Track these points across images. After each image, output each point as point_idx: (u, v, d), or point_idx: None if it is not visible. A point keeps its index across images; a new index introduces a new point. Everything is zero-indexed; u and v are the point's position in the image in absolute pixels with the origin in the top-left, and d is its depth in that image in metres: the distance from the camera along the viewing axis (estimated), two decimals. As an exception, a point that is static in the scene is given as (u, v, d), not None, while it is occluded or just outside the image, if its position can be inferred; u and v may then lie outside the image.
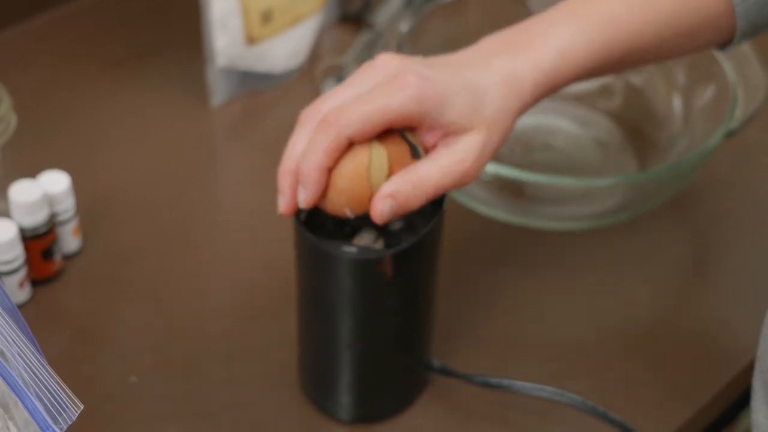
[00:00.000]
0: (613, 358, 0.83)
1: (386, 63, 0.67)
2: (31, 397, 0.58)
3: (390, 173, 0.66)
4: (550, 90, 0.71)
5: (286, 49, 1.02)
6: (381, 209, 0.65)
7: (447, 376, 0.78)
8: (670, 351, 0.83)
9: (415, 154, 0.67)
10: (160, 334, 0.83)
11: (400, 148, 0.67)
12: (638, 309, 0.87)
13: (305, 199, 0.66)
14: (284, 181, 0.67)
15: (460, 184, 0.67)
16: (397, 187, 0.65)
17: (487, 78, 0.68)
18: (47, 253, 0.83)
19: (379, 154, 0.66)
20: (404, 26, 0.98)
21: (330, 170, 0.66)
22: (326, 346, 0.74)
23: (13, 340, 0.60)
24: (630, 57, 0.73)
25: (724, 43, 0.76)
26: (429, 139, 0.68)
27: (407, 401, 0.78)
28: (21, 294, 0.82)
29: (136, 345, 0.82)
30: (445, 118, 0.66)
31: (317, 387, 0.77)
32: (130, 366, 0.80)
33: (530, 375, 0.78)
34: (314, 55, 1.06)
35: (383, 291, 0.70)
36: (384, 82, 0.66)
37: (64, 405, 0.59)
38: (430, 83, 0.65)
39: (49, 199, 0.83)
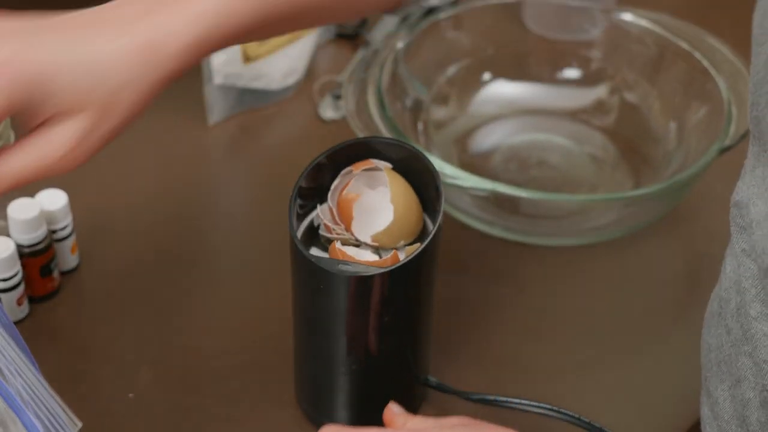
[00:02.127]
0: (610, 374, 0.83)
1: None
2: (30, 416, 0.57)
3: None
4: (209, 50, 0.62)
5: (282, 67, 1.03)
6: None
7: (443, 393, 0.79)
8: (665, 367, 0.83)
9: None
10: (158, 350, 0.83)
11: None
12: (633, 325, 0.87)
13: None
14: None
15: (51, 174, 0.59)
16: None
17: (120, 46, 0.59)
18: (45, 270, 0.83)
19: None
20: (400, 43, 0.98)
21: None
22: (322, 363, 0.74)
23: (11, 357, 0.60)
24: (293, 15, 0.65)
25: (394, 5, 0.69)
26: (29, 121, 0.59)
27: (404, 417, 0.78)
28: (19, 311, 0.83)
29: (133, 361, 0.82)
30: (48, 105, 0.57)
31: (314, 403, 0.77)
32: (128, 382, 0.80)
33: (527, 391, 0.78)
34: (311, 73, 1.06)
35: (379, 308, 0.70)
36: None
37: (62, 423, 0.59)
38: (22, 65, 0.56)
39: (47, 217, 0.83)
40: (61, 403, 0.60)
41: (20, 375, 0.60)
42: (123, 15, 0.59)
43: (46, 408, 0.59)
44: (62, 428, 0.59)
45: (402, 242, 0.71)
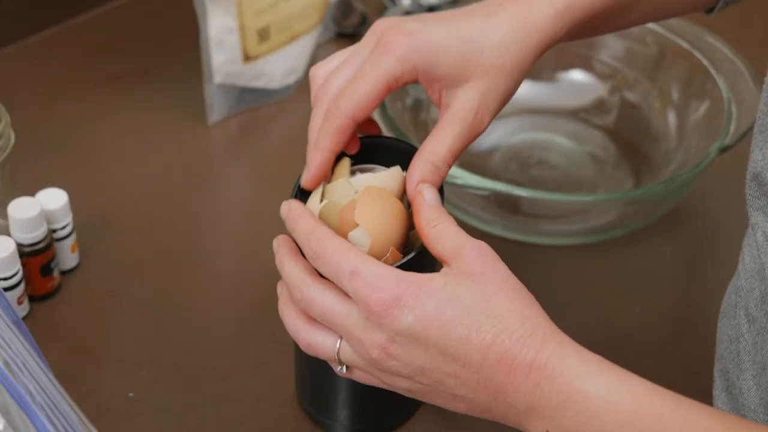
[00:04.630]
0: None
1: (377, 27, 0.68)
2: (43, 420, 0.57)
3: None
4: (577, 16, 0.69)
5: (282, 67, 1.03)
6: (424, 200, 0.66)
7: (444, 392, 0.78)
8: (664, 366, 0.83)
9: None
10: (158, 349, 0.83)
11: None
12: (632, 324, 0.87)
13: (305, 179, 0.68)
14: (309, 156, 0.68)
15: (473, 138, 0.67)
16: (422, 173, 0.66)
17: (492, 21, 0.67)
18: (45, 270, 0.83)
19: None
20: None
21: (336, 153, 0.68)
22: (323, 362, 0.73)
23: (23, 357, 0.60)
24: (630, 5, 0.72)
25: (710, 7, 0.76)
26: (431, 94, 0.68)
27: (405, 416, 0.78)
28: (19, 310, 0.83)
29: (134, 360, 0.82)
30: (438, 71, 0.66)
31: (314, 402, 0.77)
32: (128, 381, 0.80)
33: (527, 390, 0.78)
34: (311, 72, 1.06)
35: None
36: (374, 49, 0.67)
37: (76, 431, 0.58)
38: (415, 39, 0.65)
39: (47, 216, 0.83)
40: (76, 408, 0.60)
41: (33, 377, 0.59)
42: (491, 3, 0.69)
43: (61, 414, 0.58)
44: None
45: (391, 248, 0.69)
